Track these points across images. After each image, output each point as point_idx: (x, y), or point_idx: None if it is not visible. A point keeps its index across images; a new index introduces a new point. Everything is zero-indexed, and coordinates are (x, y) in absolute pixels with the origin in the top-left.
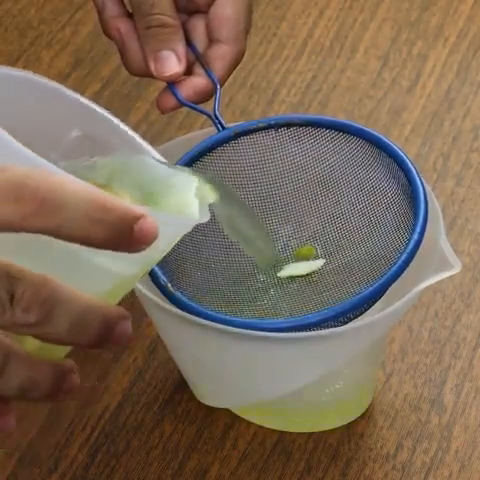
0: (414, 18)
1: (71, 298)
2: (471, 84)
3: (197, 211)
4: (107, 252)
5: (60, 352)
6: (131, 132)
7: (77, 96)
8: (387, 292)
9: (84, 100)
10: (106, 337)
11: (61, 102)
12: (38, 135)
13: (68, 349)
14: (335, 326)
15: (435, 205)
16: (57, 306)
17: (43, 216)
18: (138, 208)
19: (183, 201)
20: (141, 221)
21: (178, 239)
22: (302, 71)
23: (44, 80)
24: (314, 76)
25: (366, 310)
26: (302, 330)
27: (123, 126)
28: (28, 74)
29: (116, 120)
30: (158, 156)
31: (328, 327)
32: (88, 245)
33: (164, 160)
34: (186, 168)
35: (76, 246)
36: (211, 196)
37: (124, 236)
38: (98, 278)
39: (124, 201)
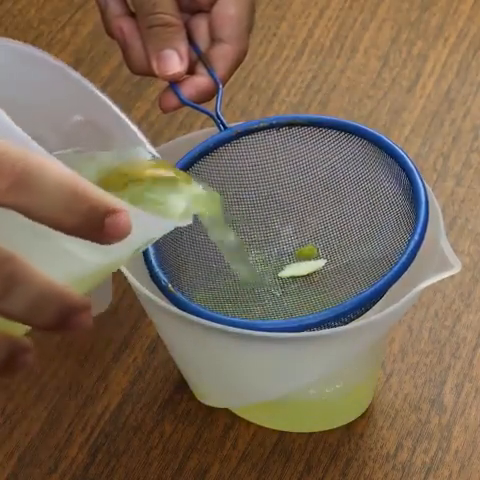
0: (414, 18)
1: (34, 279)
2: (471, 84)
3: (180, 214)
4: (79, 239)
5: (19, 329)
6: (133, 126)
7: (81, 78)
8: (388, 292)
9: (89, 84)
10: (62, 323)
11: (66, 83)
12: (40, 115)
13: (29, 328)
14: (335, 326)
15: (435, 205)
16: (18, 284)
17: (16, 193)
18: (115, 202)
19: (169, 202)
20: (115, 215)
21: (156, 239)
22: (302, 71)
23: (50, 58)
24: (314, 76)
25: (366, 311)
26: (302, 330)
27: (126, 119)
28: (35, 49)
29: (119, 112)
30: (155, 153)
31: (328, 327)
32: (58, 229)
33: (160, 158)
34: (181, 172)
35: (48, 228)
36: (197, 207)
37: (94, 227)
38: (67, 264)
39: (103, 193)
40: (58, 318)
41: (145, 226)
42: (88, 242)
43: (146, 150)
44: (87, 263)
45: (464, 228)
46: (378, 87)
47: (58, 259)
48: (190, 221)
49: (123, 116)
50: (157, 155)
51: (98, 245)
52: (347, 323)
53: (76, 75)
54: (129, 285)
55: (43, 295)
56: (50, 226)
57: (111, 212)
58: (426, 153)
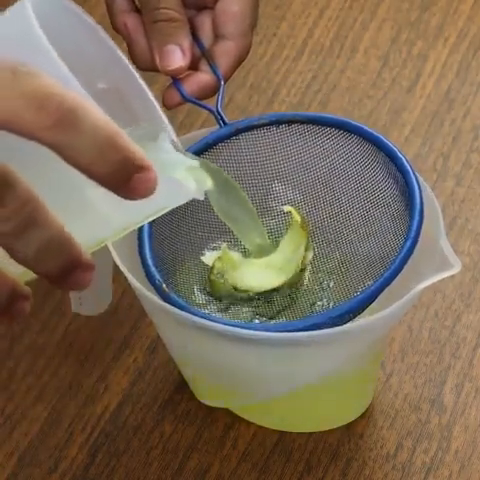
0: (414, 18)
1: (51, 225)
2: (471, 84)
3: (193, 190)
4: (101, 191)
5: (22, 276)
6: (154, 102)
7: (114, 45)
8: (387, 292)
9: (120, 52)
10: (64, 276)
11: (98, 46)
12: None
13: (30, 276)
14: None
15: (435, 205)
16: (35, 226)
17: (57, 131)
18: (146, 160)
19: (182, 179)
20: (144, 172)
21: (167, 210)
22: (302, 71)
23: (89, 18)
24: (314, 76)
25: (357, 315)
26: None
27: (149, 94)
28: (76, 5)
29: (145, 85)
30: (172, 133)
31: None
32: (87, 174)
33: (175, 138)
34: (189, 153)
35: (75, 174)
36: (208, 183)
37: (123, 179)
38: (83, 215)
39: (138, 147)
40: (62, 269)
41: (165, 191)
42: (109, 197)
43: (167, 136)
44: (102, 218)
45: (464, 228)
46: (378, 87)
47: (77, 208)
48: (203, 196)
49: (148, 92)
50: (177, 141)
51: (117, 202)
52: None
53: (109, 41)
54: (129, 285)
55: (55, 243)
56: (81, 170)
57: (141, 168)
58: (426, 153)
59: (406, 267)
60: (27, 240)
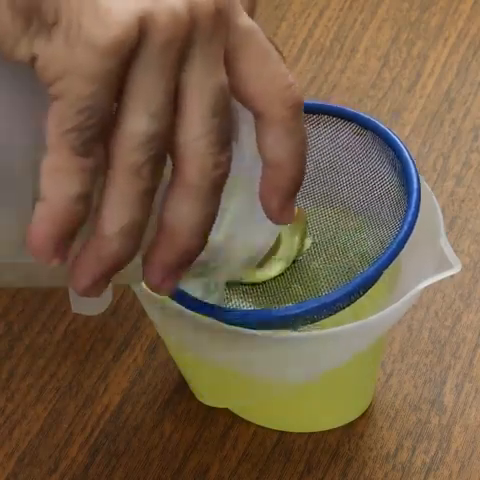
0: (414, 18)
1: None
2: (471, 84)
3: None
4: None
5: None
6: None
7: None
8: (387, 292)
9: None
10: (186, 264)
11: None
12: None
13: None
14: (321, 316)
15: (435, 205)
16: (217, 194)
17: (292, 119)
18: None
19: None
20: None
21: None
22: (302, 71)
23: None
24: (314, 76)
25: (355, 299)
26: (290, 319)
27: None
28: None
29: None
30: None
31: (315, 316)
32: (277, 168)
33: None
34: None
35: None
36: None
37: (292, 193)
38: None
39: None
40: (190, 255)
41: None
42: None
43: None
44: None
45: (464, 228)
46: (378, 87)
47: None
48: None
49: None
50: None
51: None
52: (334, 313)
53: None
54: (129, 285)
55: (209, 221)
56: (275, 159)
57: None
58: (426, 153)
59: (406, 267)
60: (207, 204)
